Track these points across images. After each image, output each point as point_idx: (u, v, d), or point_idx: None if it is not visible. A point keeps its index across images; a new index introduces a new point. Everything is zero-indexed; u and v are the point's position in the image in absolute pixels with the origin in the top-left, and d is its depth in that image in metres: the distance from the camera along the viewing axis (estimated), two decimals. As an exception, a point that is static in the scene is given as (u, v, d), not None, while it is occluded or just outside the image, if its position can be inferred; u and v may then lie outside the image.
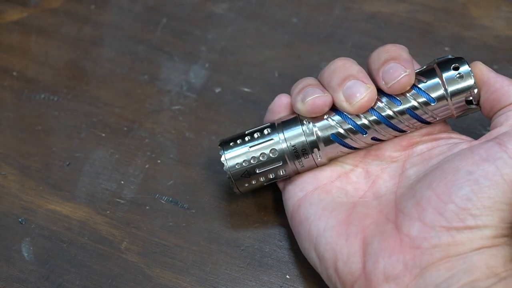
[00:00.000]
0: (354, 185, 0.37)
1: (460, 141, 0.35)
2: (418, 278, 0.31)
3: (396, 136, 0.37)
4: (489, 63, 0.36)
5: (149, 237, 0.40)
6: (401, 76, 0.35)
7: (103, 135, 0.45)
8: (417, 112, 0.36)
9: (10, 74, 0.49)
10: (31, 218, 0.42)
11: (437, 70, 0.36)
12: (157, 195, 0.42)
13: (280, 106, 0.39)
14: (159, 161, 0.44)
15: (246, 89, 0.47)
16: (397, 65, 0.35)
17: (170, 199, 0.42)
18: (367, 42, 0.49)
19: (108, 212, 0.42)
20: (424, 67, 0.37)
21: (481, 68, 0.35)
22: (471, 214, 0.30)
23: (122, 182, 0.43)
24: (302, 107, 0.36)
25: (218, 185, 0.42)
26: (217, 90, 0.47)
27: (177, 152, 0.44)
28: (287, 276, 0.38)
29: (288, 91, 0.39)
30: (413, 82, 0.35)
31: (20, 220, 0.42)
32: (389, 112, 0.36)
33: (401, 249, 0.31)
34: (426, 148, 0.36)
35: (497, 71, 0.36)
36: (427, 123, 0.36)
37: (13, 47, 0.51)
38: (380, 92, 0.36)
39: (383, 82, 0.35)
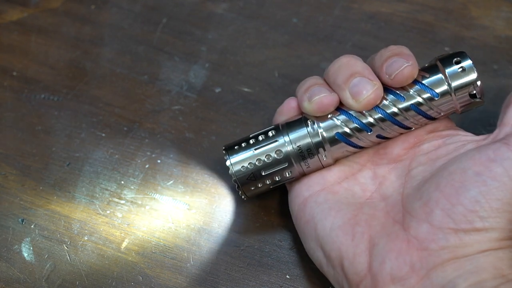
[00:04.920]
0: (361, 186, 0.37)
1: (466, 140, 0.35)
2: (425, 279, 0.31)
3: (401, 133, 0.37)
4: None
5: (149, 237, 0.40)
6: (404, 66, 0.35)
7: (103, 135, 0.45)
8: (422, 107, 0.36)
9: (10, 74, 0.49)
10: (31, 218, 0.42)
11: (440, 65, 0.36)
12: (157, 195, 0.42)
13: (289, 109, 0.38)
14: (159, 161, 0.44)
15: (246, 89, 0.47)
16: (399, 58, 0.35)
17: (170, 199, 0.42)
18: (367, 42, 0.49)
19: (108, 212, 0.42)
20: (427, 64, 0.37)
21: None
22: (479, 216, 0.30)
23: (122, 182, 0.43)
24: (309, 106, 0.36)
25: (218, 185, 0.42)
26: (217, 90, 0.47)
27: (177, 152, 0.44)
28: (287, 276, 0.38)
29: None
30: (416, 73, 0.35)
31: (20, 220, 0.42)
32: (394, 109, 0.36)
33: (408, 250, 0.31)
34: (433, 146, 0.36)
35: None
36: (432, 118, 0.36)
37: (13, 47, 0.51)
38: (385, 90, 0.36)
39: (387, 76, 0.35)
